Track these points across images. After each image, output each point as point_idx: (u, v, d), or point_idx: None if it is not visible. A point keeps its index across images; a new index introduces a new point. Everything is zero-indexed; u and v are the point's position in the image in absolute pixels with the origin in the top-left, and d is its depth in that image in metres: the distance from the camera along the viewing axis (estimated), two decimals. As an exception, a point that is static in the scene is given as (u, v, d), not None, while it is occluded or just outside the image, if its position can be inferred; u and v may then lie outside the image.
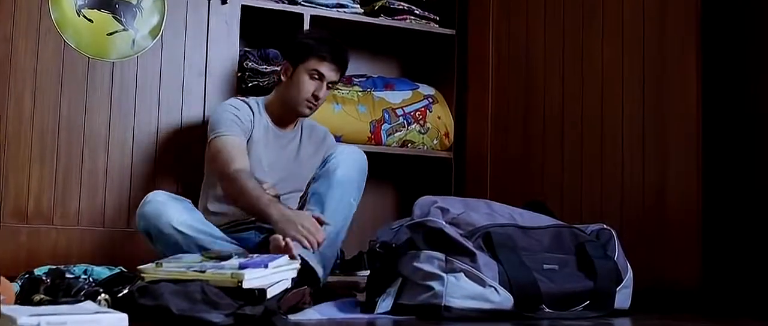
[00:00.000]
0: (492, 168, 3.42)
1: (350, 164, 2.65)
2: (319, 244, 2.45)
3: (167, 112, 3.14)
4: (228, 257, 2.13)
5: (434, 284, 2.08)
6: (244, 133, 2.78)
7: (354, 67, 3.58)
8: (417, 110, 3.51)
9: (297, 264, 2.20)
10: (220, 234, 2.67)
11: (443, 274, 2.08)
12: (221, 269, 2.00)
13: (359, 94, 3.45)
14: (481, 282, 2.08)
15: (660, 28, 2.74)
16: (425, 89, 3.60)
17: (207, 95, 3.18)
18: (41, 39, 2.97)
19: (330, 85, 2.86)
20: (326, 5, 3.40)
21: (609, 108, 2.90)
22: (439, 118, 3.54)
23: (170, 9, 3.15)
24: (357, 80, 3.51)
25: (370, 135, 3.41)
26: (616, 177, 2.85)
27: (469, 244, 2.12)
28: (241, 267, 1.98)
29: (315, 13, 3.34)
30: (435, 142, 3.53)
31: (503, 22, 3.43)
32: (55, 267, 2.35)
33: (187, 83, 3.17)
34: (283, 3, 3.33)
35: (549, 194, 3.08)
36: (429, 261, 2.11)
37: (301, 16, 3.31)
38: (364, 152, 2.81)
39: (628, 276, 2.30)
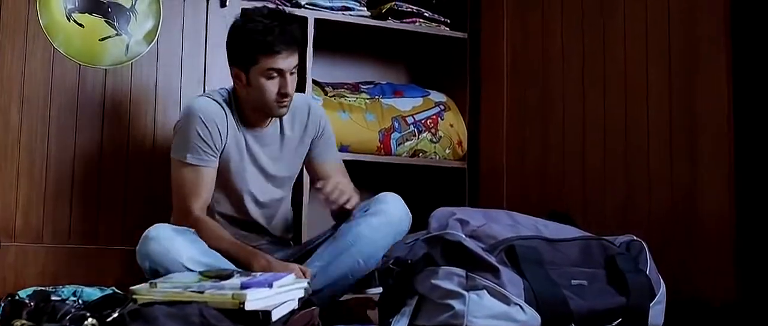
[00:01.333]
0: (508, 179, 3.30)
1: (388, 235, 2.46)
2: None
3: (164, 122, 3.00)
4: (228, 276, 2.01)
5: (455, 303, 1.94)
6: (215, 154, 2.54)
7: (361, 73, 3.54)
8: (428, 118, 3.40)
9: (305, 283, 2.03)
10: (231, 266, 2.46)
11: (464, 292, 1.93)
12: (221, 289, 1.87)
13: (367, 101, 3.34)
14: (506, 300, 1.94)
15: (687, 25, 2.62)
16: (436, 96, 3.50)
17: None
18: (29, 45, 2.84)
19: (293, 71, 2.52)
20: (331, 8, 3.28)
21: (633, 112, 2.78)
22: (451, 125, 3.44)
23: (166, 12, 3.02)
24: (364, 87, 3.42)
25: (378, 144, 3.30)
26: (643, 185, 2.73)
27: (492, 259, 1.97)
28: (243, 286, 1.86)
29: (319, 16, 3.22)
30: (447, 151, 3.43)
31: (518, 23, 3.31)
32: (40, 288, 2.20)
33: (185, 91, 3.03)
34: (286, 5, 3.19)
35: (570, 205, 2.96)
36: (448, 278, 1.96)
37: (304, 19, 3.18)
38: (373, 162, 2.66)
39: (661, 291, 2.15)
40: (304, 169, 2.82)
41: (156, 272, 2.36)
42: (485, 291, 1.94)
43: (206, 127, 2.51)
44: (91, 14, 2.91)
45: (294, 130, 2.69)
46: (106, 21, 2.93)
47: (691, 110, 2.59)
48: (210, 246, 2.40)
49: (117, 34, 2.94)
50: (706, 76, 2.55)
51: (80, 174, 2.89)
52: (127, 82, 2.97)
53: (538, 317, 1.95)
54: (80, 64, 2.90)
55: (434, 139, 3.39)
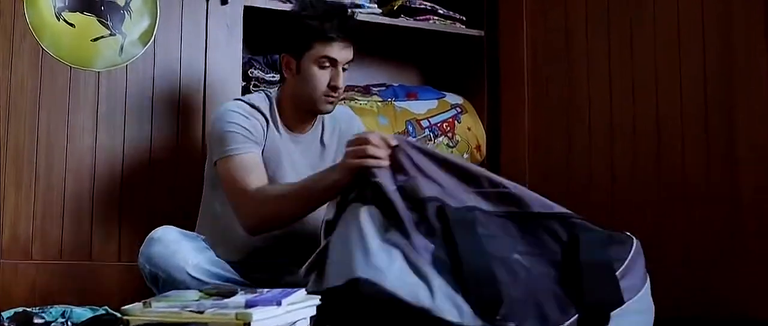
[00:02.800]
0: (531, 185, 3.09)
1: None
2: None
3: (161, 128, 2.86)
4: (232, 293, 1.82)
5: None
6: (257, 144, 2.37)
7: (372, 75, 3.45)
8: (444, 121, 3.30)
9: (316, 300, 1.83)
10: (241, 279, 2.35)
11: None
12: (224, 308, 1.69)
13: (379, 104, 3.23)
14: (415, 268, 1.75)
15: (723, 15, 2.50)
16: (452, 98, 3.40)
17: (207, 108, 2.91)
18: (15, 46, 2.71)
19: (346, 67, 2.41)
20: None
21: (666, 112, 2.66)
22: (469, 129, 3.33)
23: (163, 11, 2.89)
24: (376, 89, 3.31)
25: None
26: (678, 192, 2.60)
27: (409, 217, 1.85)
28: (249, 305, 1.67)
29: None
30: (465, 156, 3.31)
31: (538, 19, 3.19)
32: (23, 309, 2.03)
33: (184, 95, 2.90)
34: (291, 3, 3.04)
35: (598, 213, 2.72)
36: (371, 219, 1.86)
37: None
38: None
39: (639, 301, 1.86)
40: None
41: (156, 277, 2.26)
42: (398, 251, 1.78)
43: (246, 118, 2.37)
44: (82, 13, 2.80)
45: (333, 139, 2.55)
46: (98, 20, 2.81)
47: (730, 116, 2.48)
48: (290, 209, 2.23)
49: (110, 34, 2.83)
50: (745, 68, 2.44)
51: (72, 185, 2.76)
52: (122, 85, 2.84)
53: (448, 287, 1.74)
54: (71, 67, 2.78)
55: (451, 144, 3.29)
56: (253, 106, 2.41)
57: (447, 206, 1.85)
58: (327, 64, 2.37)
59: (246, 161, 2.32)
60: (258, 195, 2.23)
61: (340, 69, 2.38)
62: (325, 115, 2.51)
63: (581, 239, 1.87)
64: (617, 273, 1.85)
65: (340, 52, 2.37)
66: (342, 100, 3.07)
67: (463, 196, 1.96)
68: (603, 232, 1.93)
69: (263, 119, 2.41)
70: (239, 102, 2.43)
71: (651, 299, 1.91)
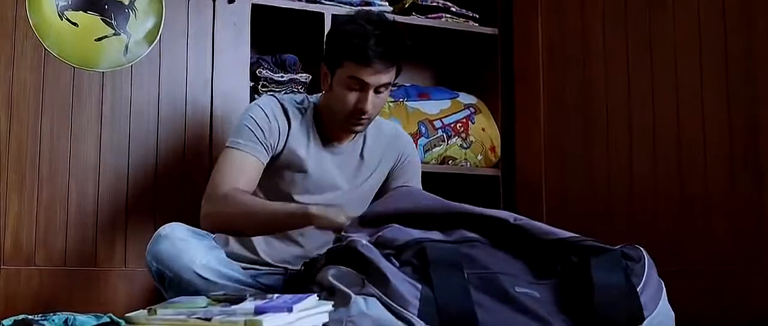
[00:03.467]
0: (547, 187, 3.10)
1: None
2: None
3: (168, 130, 2.81)
4: (240, 299, 1.72)
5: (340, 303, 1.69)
6: (265, 148, 2.28)
7: None
8: (457, 122, 3.24)
9: (329, 306, 1.76)
10: (252, 281, 2.27)
11: (352, 294, 1.67)
12: (232, 315, 1.60)
13: (390, 104, 3.16)
14: (396, 312, 1.65)
15: (745, 10, 2.44)
16: (466, 98, 3.34)
17: (214, 110, 2.86)
18: (17, 47, 2.66)
19: (380, 90, 2.23)
20: (350, 3, 3.09)
21: (687, 112, 2.59)
22: (483, 129, 3.27)
23: (169, 9, 2.84)
24: None
25: None
26: (699, 195, 2.53)
27: (387, 264, 1.69)
28: (258, 312, 1.58)
29: (337, 12, 3.01)
30: (479, 157, 3.26)
31: (553, 16, 3.13)
32: (24, 317, 1.95)
33: (191, 96, 2.84)
34: (300, 1, 3.02)
35: (617, 216, 2.78)
36: (341, 278, 1.72)
37: (321, 15, 3.00)
38: None
39: (658, 312, 1.77)
40: None
41: (163, 276, 2.19)
42: (374, 299, 1.66)
43: (267, 118, 2.28)
44: (85, 12, 2.75)
45: (374, 154, 2.44)
46: (102, 19, 2.76)
47: (754, 117, 2.40)
48: (249, 225, 2.17)
49: (115, 34, 2.78)
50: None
51: (76, 189, 2.70)
52: (126, 86, 2.79)
53: None
54: (74, 67, 2.73)
55: (465, 145, 3.23)
56: (284, 107, 2.33)
57: (430, 246, 1.72)
58: (356, 87, 2.21)
59: (242, 160, 2.24)
60: (225, 198, 2.16)
61: (371, 92, 2.21)
62: (379, 132, 2.43)
63: (592, 261, 1.77)
64: (638, 288, 1.77)
65: (373, 76, 2.19)
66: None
67: (461, 233, 1.87)
68: (616, 251, 1.83)
69: (286, 125, 2.31)
70: (273, 100, 2.35)
71: (669, 306, 1.83)
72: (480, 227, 1.86)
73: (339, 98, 2.24)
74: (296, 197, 2.31)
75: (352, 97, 2.21)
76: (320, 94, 2.40)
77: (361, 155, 2.40)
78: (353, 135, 2.37)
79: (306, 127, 2.34)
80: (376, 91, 2.22)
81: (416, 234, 1.80)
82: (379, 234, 1.80)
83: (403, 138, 2.52)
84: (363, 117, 2.24)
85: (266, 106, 2.30)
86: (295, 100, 2.37)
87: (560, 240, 1.81)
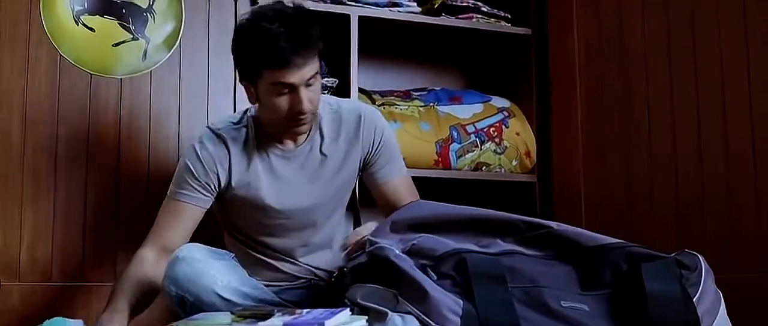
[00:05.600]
0: (586, 193, 3.01)
1: None
2: None
3: (189, 138, 2.72)
4: (268, 315, 1.65)
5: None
6: (205, 190, 2.22)
7: (412, 79, 3.34)
8: (491, 126, 3.15)
9: (363, 321, 1.64)
10: (276, 299, 2.19)
11: (389, 312, 1.58)
12: None
13: (420, 109, 3.08)
14: None
15: None
16: (499, 101, 3.26)
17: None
18: (31, 53, 2.65)
19: (311, 83, 2.12)
20: (377, 4, 3.02)
21: (733, 113, 2.48)
22: (517, 134, 3.18)
23: (188, 13, 2.81)
24: (416, 94, 3.17)
25: (436, 157, 3.04)
26: (749, 197, 2.40)
27: (423, 277, 1.60)
28: None
29: (364, 14, 2.95)
30: (514, 163, 3.17)
31: (590, 13, 3.04)
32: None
33: (213, 102, 2.81)
34: (325, 2, 2.94)
35: (662, 222, 2.67)
36: (372, 296, 1.64)
37: (347, 17, 2.93)
38: (430, 177, 2.53)
39: (717, 324, 1.67)
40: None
41: (183, 301, 2.09)
42: (412, 317, 1.57)
43: (200, 160, 2.21)
44: (102, 16, 2.73)
45: (338, 146, 2.32)
46: (119, 23, 2.74)
47: None
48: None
49: (133, 39, 2.75)
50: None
51: (94, 201, 2.67)
52: (145, 93, 2.76)
53: None
54: (91, 74, 2.71)
55: (499, 150, 3.14)
56: (221, 137, 2.24)
57: (470, 257, 1.63)
58: (284, 91, 2.11)
59: (177, 210, 2.22)
60: (136, 257, 2.18)
61: (302, 89, 2.11)
62: (324, 119, 2.31)
63: (644, 268, 1.65)
64: (694, 299, 1.65)
65: (297, 74, 2.09)
66: (380, 105, 3.00)
67: (500, 245, 1.75)
68: (669, 258, 1.71)
69: (226, 154, 2.23)
70: (207, 132, 2.27)
71: (728, 319, 1.72)
72: (520, 236, 1.75)
73: (271, 108, 2.14)
74: (265, 238, 2.29)
75: (284, 101, 2.11)
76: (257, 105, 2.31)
77: (321, 152, 2.29)
78: (306, 135, 2.27)
79: (249, 144, 2.25)
80: (307, 86, 2.11)
81: (453, 244, 1.68)
82: (414, 242, 1.70)
83: (367, 119, 2.35)
84: (301, 118, 2.14)
85: (200, 146, 2.23)
86: (232, 122, 2.27)
87: (608, 247, 1.70)
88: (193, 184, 2.20)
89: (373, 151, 2.33)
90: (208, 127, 2.29)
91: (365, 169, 2.35)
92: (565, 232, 1.75)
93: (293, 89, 2.09)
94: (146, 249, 2.17)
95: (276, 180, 2.25)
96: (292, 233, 2.29)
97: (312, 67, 2.10)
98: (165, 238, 2.18)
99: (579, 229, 1.75)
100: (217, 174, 2.21)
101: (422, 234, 1.74)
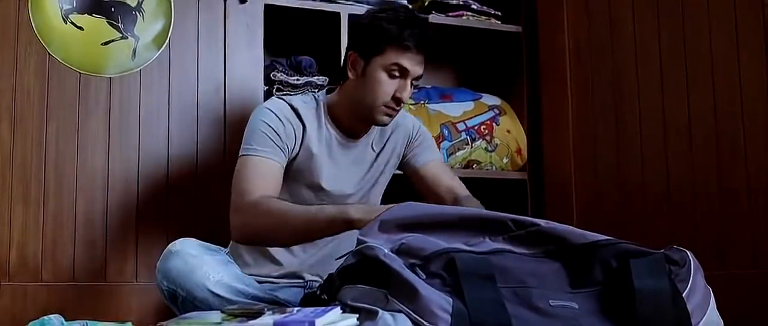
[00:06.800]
0: (578, 190, 2.99)
1: None
2: None
3: (179, 137, 2.72)
4: (258, 314, 1.62)
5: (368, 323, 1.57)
6: (282, 151, 2.20)
7: None
8: (481, 124, 3.15)
9: (354, 320, 1.63)
10: (269, 296, 2.16)
11: (379, 310, 1.55)
12: None
13: (411, 107, 3.07)
14: None
15: None
16: (489, 99, 3.25)
17: (227, 115, 2.77)
18: (19, 52, 2.59)
19: (414, 82, 2.24)
20: (367, 2, 3.00)
21: (724, 106, 2.47)
22: (508, 131, 3.18)
23: (178, 11, 2.75)
24: None
25: None
26: (741, 193, 2.40)
27: (413, 276, 1.57)
28: None
29: (354, 12, 2.92)
30: (505, 160, 3.17)
31: (580, 11, 3.03)
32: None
33: (203, 101, 2.76)
34: (316, 0, 2.93)
35: (654, 218, 2.66)
36: (365, 297, 1.61)
37: (337, 15, 2.91)
38: None
39: (707, 319, 1.64)
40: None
41: (174, 295, 2.10)
42: (403, 315, 1.55)
43: (279, 120, 2.21)
44: (91, 15, 2.67)
45: (385, 144, 2.42)
46: (108, 22, 2.68)
47: None
48: (285, 233, 2.01)
49: (122, 37, 2.70)
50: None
51: (84, 201, 2.62)
52: (135, 92, 2.71)
53: None
54: (80, 73, 2.66)
55: (489, 148, 3.14)
56: (294, 108, 2.26)
57: (459, 257, 1.61)
58: (396, 73, 2.20)
59: (263, 166, 2.15)
60: (256, 206, 2.04)
61: (409, 82, 2.22)
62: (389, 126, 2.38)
63: (632, 264, 1.64)
64: (684, 295, 1.63)
65: (414, 64, 2.20)
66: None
67: (489, 244, 1.73)
68: (658, 254, 1.70)
69: (300, 125, 2.25)
70: (281, 102, 2.28)
71: (718, 314, 1.70)
72: (509, 234, 1.74)
73: (375, 86, 2.20)
74: (315, 194, 2.29)
75: (392, 85, 2.20)
76: (328, 97, 2.34)
77: (373, 147, 2.38)
78: (368, 130, 2.35)
79: (319, 124, 2.28)
80: (411, 84, 2.23)
81: (443, 243, 1.67)
82: (402, 241, 1.68)
83: (408, 119, 2.50)
84: (396, 106, 2.23)
85: (277, 109, 2.24)
86: (303, 100, 2.32)
87: (597, 244, 1.68)
88: (275, 143, 2.18)
89: (413, 139, 2.44)
90: (281, 98, 2.31)
91: (404, 160, 2.44)
92: (554, 230, 1.73)
93: (404, 75, 2.20)
94: (258, 195, 2.06)
95: (334, 164, 2.29)
96: None
97: (422, 67, 2.24)
98: (268, 190, 2.10)
99: (568, 227, 1.73)
100: (294, 141, 2.23)
101: (411, 234, 1.74)
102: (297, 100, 2.30)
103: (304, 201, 2.23)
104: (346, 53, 2.29)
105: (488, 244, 1.71)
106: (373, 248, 1.61)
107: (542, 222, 1.74)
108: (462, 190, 2.35)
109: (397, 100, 2.21)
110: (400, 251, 1.65)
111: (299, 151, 2.23)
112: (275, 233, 2.02)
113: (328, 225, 1.93)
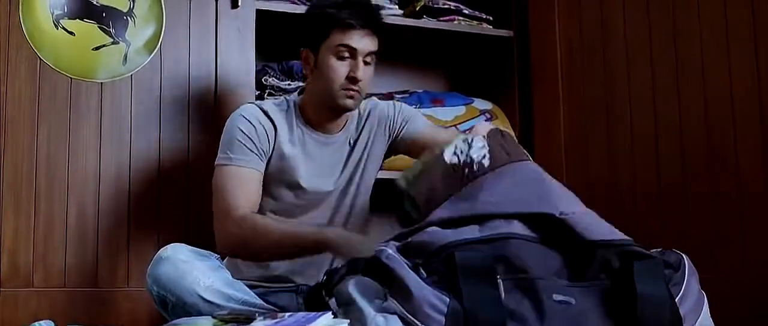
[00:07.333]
0: None
1: None
2: None
3: (171, 141, 2.72)
4: (249, 319, 1.63)
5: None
6: (260, 156, 2.25)
7: (395, 81, 3.31)
8: (473, 128, 3.04)
9: (346, 324, 1.63)
10: (260, 301, 2.16)
11: (372, 311, 1.56)
12: None
13: None
14: None
15: None
16: (481, 103, 3.24)
17: (218, 120, 2.70)
18: (11, 58, 2.58)
19: (368, 60, 2.26)
20: None
21: (715, 108, 2.48)
22: None
23: (169, 16, 2.75)
24: (399, 96, 3.15)
25: None
26: (732, 195, 2.40)
27: (411, 275, 1.57)
28: None
29: None
30: None
31: (572, 15, 3.02)
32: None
33: (194, 106, 2.76)
34: (306, 5, 2.89)
35: (645, 221, 2.66)
36: (364, 292, 1.61)
37: None
38: None
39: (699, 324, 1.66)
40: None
41: (165, 301, 2.11)
42: (395, 317, 1.56)
43: (252, 125, 2.25)
44: (82, 20, 2.66)
45: (362, 137, 2.42)
46: (100, 27, 2.68)
47: None
48: (267, 250, 2.14)
49: (113, 42, 2.69)
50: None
51: (75, 206, 2.61)
52: (126, 97, 2.70)
53: None
54: (72, 78, 2.65)
55: (481, 152, 3.06)
56: (265, 111, 2.29)
57: (458, 253, 1.61)
58: (346, 54, 2.23)
59: (243, 176, 2.21)
60: (241, 223, 2.13)
61: (361, 60, 2.24)
62: (361, 116, 2.40)
63: (635, 267, 1.65)
64: (677, 299, 1.64)
65: (360, 41, 2.23)
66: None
67: (500, 227, 1.73)
68: (657, 258, 1.71)
69: (272, 127, 2.29)
70: (253, 106, 2.31)
71: (711, 319, 1.71)
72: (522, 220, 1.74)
73: (328, 72, 2.25)
74: (296, 194, 2.32)
75: (343, 66, 2.24)
76: (299, 98, 2.38)
77: (349, 142, 2.39)
78: (344, 124, 2.36)
79: (291, 125, 2.31)
80: (364, 62, 2.25)
81: (450, 234, 1.67)
82: (409, 239, 1.69)
83: (380, 104, 2.48)
84: (353, 86, 2.24)
85: (249, 114, 2.28)
86: (274, 102, 2.36)
87: (603, 242, 1.69)
88: (251, 149, 2.23)
89: (395, 118, 2.44)
90: (251, 103, 2.35)
91: (397, 140, 2.44)
92: (567, 219, 1.73)
93: (354, 55, 2.23)
94: (243, 210, 2.14)
95: (311, 163, 2.31)
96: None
97: (374, 43, 2.26)
98: (250, 202, 2.19)
99: (586, 218, 1.74)
100: (268, 143, 2.26)
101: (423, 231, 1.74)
102: (269, 103, 2.33)
103: (285, 201, 2.29)
104: (300, 51, 2.33)
105: (497, 228, 1.71)
106: (377, 249, 1.63)
107: (557, 210, 1.74)
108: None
109: (352, 80, 2.23)
110: (408, 249, 1.66)
111: (272, 152, 2.27)
112: (258, 250, 2.13)
113: (311, 245, 2.07)
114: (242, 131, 2.23)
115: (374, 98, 2.56)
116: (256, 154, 2.23)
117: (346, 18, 2.21)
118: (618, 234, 1.71)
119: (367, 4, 2.29)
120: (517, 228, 1.70)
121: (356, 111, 2.38)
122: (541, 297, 1.56)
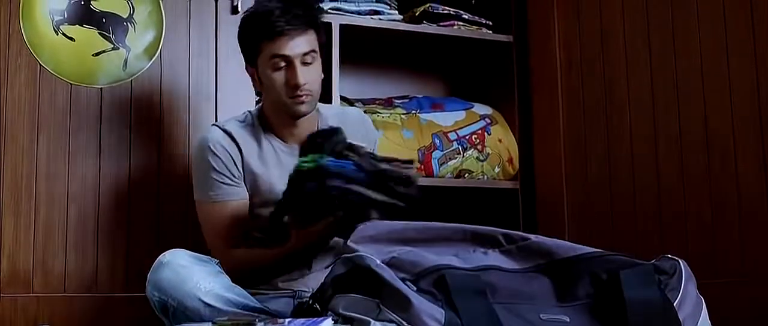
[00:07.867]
0: (569, 199, 2.99)
1: None
2: None
3: (171, 147, 2.72)
4: (249, 324, 1.66)
5: None
6: (234, 183, 2.26)
7: (394, 86, 3.33)
8: (473, 133, 3.15)
9: (348, 331, 1.64)
10: (260, 306, 2.16)
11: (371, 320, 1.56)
12: None
13: (403, 116, 3.08)
14: None
15: None
16: (481, 108, 3.26)
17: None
18: (10, 64, 2.58)
19: (307, 60, 2.22)
20: (358, 12, 3.03)
21: (714, 116, 2.47)
22: (500, 141, 3.18)
23: (169, 22, 2.75)
24: (399, 101, 3.18)
25: (419, 165, 3.03)
26: (732, 203, 2.40)
27: (407, 288, 1.57)
28: None
29: (345, 22, 2.95)
30: (497, 170, 3.17)
31: (571, 20, 3.03)
32: None
33: (194, 111, 2.76)
34: None
35: (645, 228, 2.66)
36: (355, 306, 1.62)
37: (328, 25, 2.89)
38: None
39: None
40: None
41: (165, 306, 2.10)
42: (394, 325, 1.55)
43: (217, 156, 2.25)
44: (82, 26, 2.66)
45: None
46: (99, 33, 2.68)
47: None
48: (260, 269, 2.25)
49: (113, 48, 2.69)
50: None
51: (75, 212, 2.61)
52: (126, 102, 2.70)
53: None
54: (72, 84, 2.64)
55: (481, 157, 3.14)
56: (229, 133, 2.29)
57: (450, 273, 1.61)
58: (281, 64, 2.21)
59: (223, 211, 2.26)
60: (230, 259, 2.23)
61: (297, 64, 2.20)
62: (328, 118, 2.37)
63: (622, 275, 1.64)
64: (675, 304, 1.63)
65: (291, 45, 2.19)
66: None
67: (479, 259, 1.73)
68: (647, 265, 1.70)
69: (237, 152, 2.28)
70: (216, 131, 2.30)
71: (710, 324, 1.70)
72: (500, 248, 1.74)
73: (271, 85, 2.23)
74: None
75: (280, 76, 2.21)
76: (258, 109, 2.39)
77: None
78: (310, 126, 2.32)
79: (259, 139, 2.31)
80: (303, 63, 2.21)
81: (434, 258, 1.67)
82: (393, 255, 1.68)
83: (368, 124, 2.51)
84: (299, 92, 2.21)
85: (214, 142, 2.27)
86: (237, 120, 2.35)
87: (586, 257, 1.68)
88: (221, 180, 2.24)
89: (367, 137, 2.41)
90: (215, 125, 2.34)
91: None
92: (544, 244, 1.73)
93: (289, 64, 2.19)
94: (229, 242, 2.25)
95: (284, 174, 2.24)
96: None
97: (306, 42, 2.21)
98: (232, 237, 2.26)
99: (558, 240, 1.73)
100: (234, 160, 2.26)
101: (402, 247, 1.73)
102: (232, 124, 2.32)
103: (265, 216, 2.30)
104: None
105: (479, 258, 1.70)
106: (364, 258, 1.61)
107: (532, 236, 1.74)
108: None
109: (294, 86, 2.20)
110: (391, 265, 1.65)
111: (244, 174, 2.27)
112: (251, 272, 2.24)
113: (290, 250, 2.17)
114: (212, 166, 2.24)
115: (365, 115, 2.57)
116: (232, 184, 2.25)
117: (271, 28, 2.18)
118: (584, 248, 1.70)
119: (289, 5, 2.22)
120: (498, 260, 1.71)
121: (323, 115, 2.37)
122: (530, 318, 1.56)
